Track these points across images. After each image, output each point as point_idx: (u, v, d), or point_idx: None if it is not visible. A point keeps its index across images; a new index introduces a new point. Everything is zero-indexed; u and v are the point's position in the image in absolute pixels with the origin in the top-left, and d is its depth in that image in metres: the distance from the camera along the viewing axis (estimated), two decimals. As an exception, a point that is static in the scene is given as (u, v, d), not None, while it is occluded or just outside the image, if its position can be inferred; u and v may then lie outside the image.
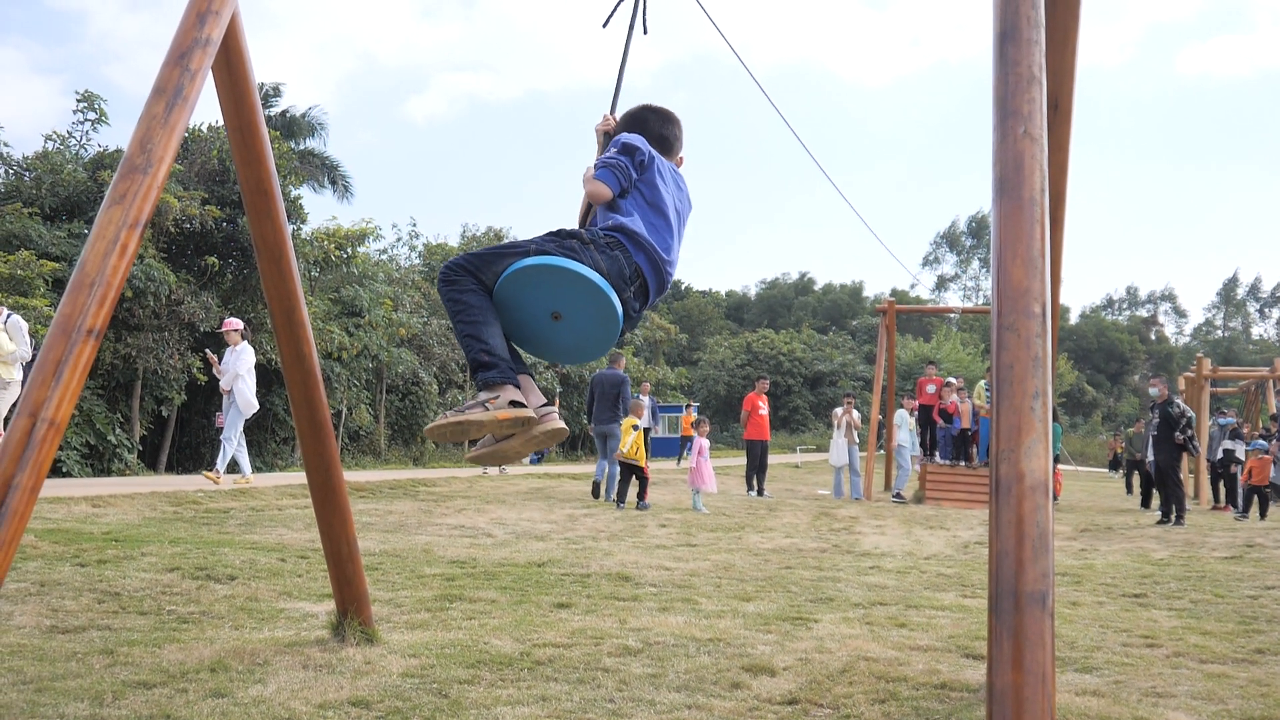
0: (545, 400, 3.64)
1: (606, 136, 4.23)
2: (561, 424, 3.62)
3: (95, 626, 5.19)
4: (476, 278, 3.54)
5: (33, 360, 11.28)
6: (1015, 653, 2.19)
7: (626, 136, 3.94)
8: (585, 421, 16.25)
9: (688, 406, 27.19)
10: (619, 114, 4.32)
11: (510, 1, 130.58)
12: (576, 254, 3.54)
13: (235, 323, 13.41)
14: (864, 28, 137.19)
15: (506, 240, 4.15)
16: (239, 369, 13.05)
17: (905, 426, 19.49)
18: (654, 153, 3.95)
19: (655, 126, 4.18)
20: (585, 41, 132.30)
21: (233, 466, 13.68)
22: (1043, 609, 2.22)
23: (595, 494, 15.20)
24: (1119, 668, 5.12)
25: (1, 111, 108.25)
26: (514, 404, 3.45)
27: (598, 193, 3.79)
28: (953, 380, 20.67)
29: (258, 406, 13.68)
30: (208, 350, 14.68)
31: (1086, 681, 4.84)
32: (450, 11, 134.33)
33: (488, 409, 3.40)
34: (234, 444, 13.20)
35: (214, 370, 13.61)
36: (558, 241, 3.59)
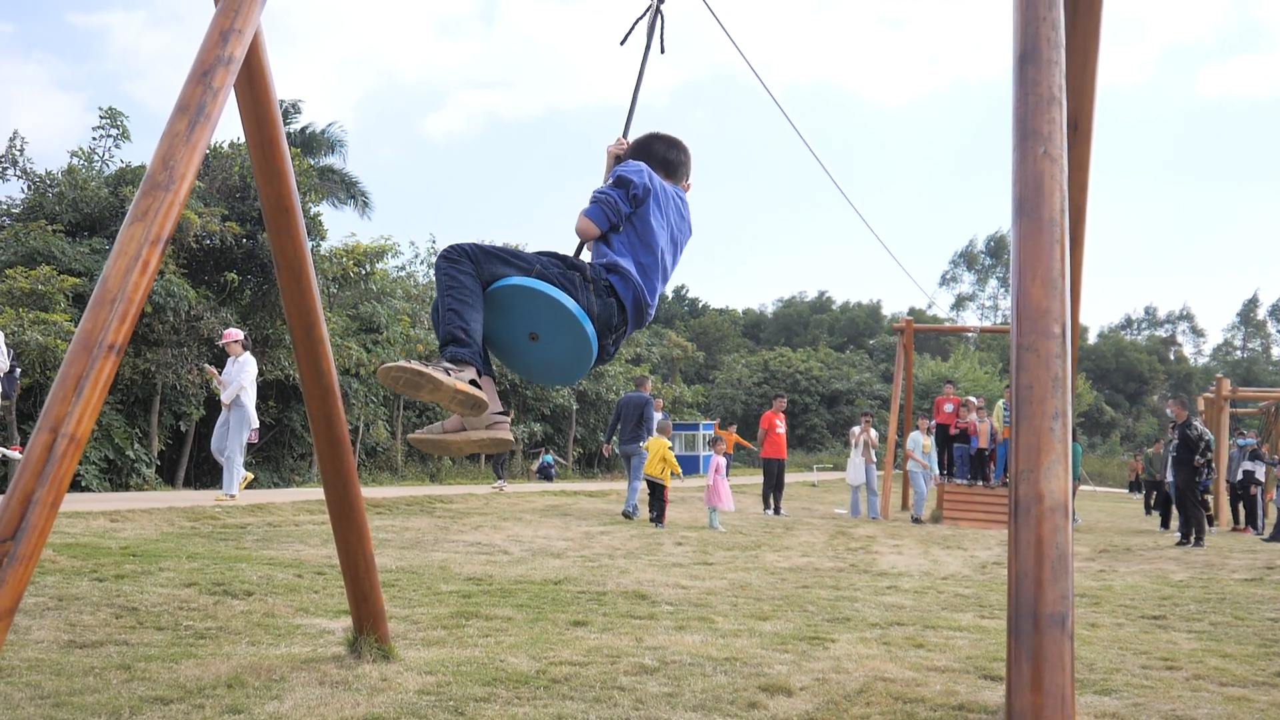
0: (502, 409, 3.69)
1: (617, 160, 4.25)
2: (509, 435, 3.71)
3: (113, 641, 5.20)
4: (477, 267, 3.58)
5: (10, 371, 11.25)
6: (1034, 674, 2.18)
7: (623, 168, 3.93)
8: (603, 440, 16.40)
9: (730, 424, 27.23)
10: (633, 136, 4.34)
11: (529, 19, 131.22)
12: (575, 290, 3.59)
13: (236, 333, 12.91)
14: (882, 47, 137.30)
15: (515, 247, 4.21)
16: (243, 381, 12.61)
17: (918, 449, 19.20)
18: (651, 184, 3.92)
19: (660, 151, 4.19)
20: (603, 59, 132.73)
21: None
22: (1062, 630, 2.21)
23: (628, 515, 15.20)
24: (1138, 690, 5.08)
25: (25, 127, 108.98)
26: (473, 383, 3.44)
27: (585, 230, 3.83)
28: (972, 399, 20.58)
29: (258, 423, 13.25)
30: (206, 364, 14.21)
31: (1106, 704, 4.80)
32: (469, 29, 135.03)
33: (449, 374, 3.38)
34: (239, 461, 12.88)
35: (214, 383, 13.06)
36: (562, 269, 3.63)
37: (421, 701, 4.33)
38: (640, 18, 4.65)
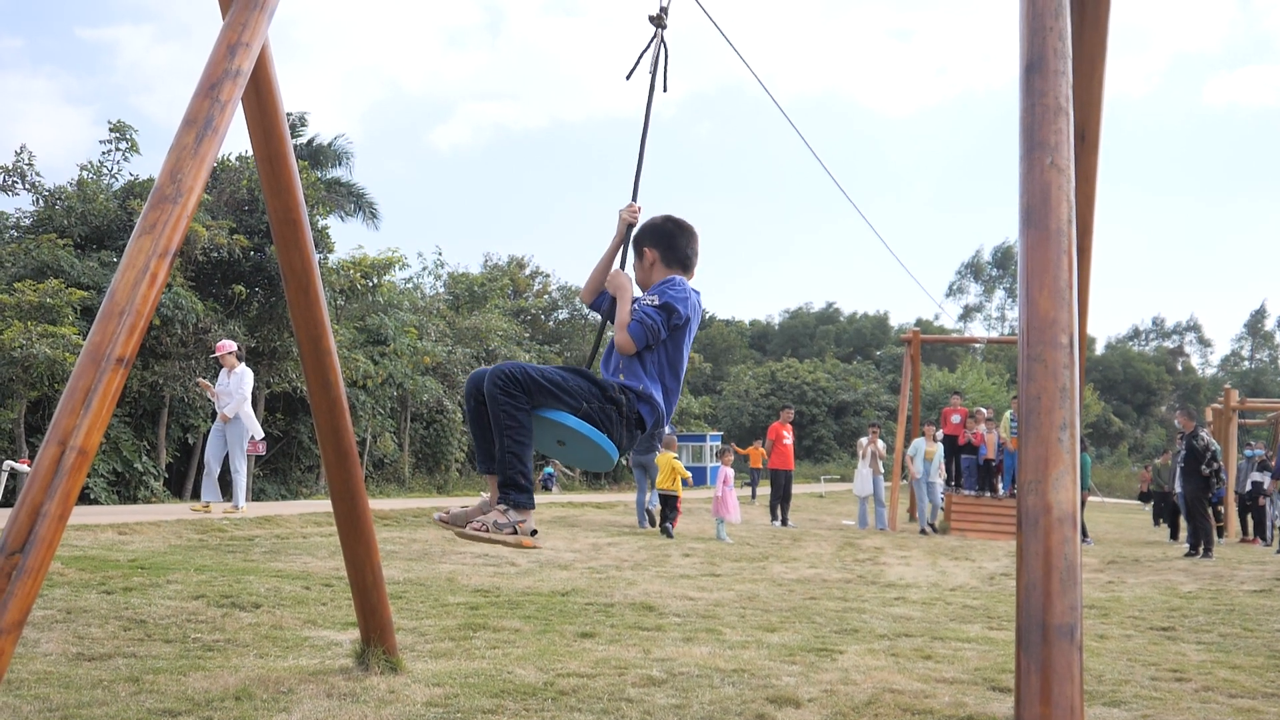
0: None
1: (629, 228, 4.26)
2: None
3: (121, 654, 5.20)
4: (530, 399, 3.81)
5: None
6: (1043, 686, 2.17)
7: (671, 295, 4.04)
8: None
9: (757, 443, 27.24)
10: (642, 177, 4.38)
11: (535, 32, 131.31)
12: (611, 425, 3.90)
13: (229, 345, 12.61)
14: (890, 58, 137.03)
15: (558, 372, 4.32)
16: (245, 392, 12.39)
17: (920, 456, 19.00)
18: (691, 311, 4.08)
19: (681, 247, 4.27)
20: (609, 72, 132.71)
21: (199, 493, 13.19)
22: (1071, 642, 2.21)
23: (650, 523, 15.51)
24: (1147, 702, 5.07)
25: (34, 141, 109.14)
26: (534, 533, 3.84)
27: (624, 346, 4.03)
28: (982, 409, 20.49)
29: (262, 434, 13.04)
30: (201, 379, 13.94)
31: (1115, 716, 4.78)
32: (476, 41, 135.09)
33: (516, 532, 3.78)
34: (244, 473, 12.76)
35: (209, 395, 12.75)
36: (600, 402, 3.89)
37: (429, 714, 4.33)
38: (645, 50, 4.61)
